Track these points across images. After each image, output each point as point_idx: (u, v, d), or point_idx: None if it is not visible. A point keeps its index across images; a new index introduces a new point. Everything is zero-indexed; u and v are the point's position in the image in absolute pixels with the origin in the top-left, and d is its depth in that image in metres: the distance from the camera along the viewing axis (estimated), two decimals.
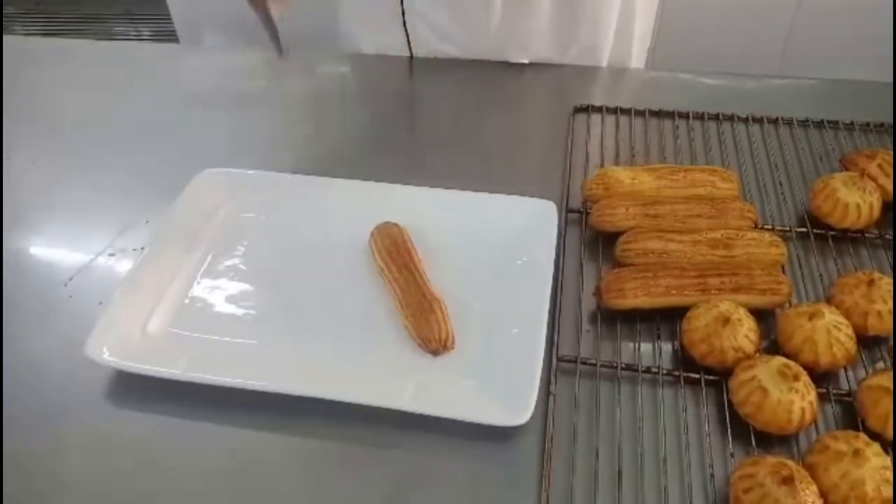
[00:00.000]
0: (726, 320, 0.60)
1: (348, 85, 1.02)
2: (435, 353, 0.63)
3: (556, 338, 0.64)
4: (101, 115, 0.94)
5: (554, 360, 0.62)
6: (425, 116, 0.92)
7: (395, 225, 0.71)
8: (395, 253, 0.69)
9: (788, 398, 0.56)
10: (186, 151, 0.86)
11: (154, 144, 0.89)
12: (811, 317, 0.60)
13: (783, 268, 0.69)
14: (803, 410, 0.56)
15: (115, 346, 0.61)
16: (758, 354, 0.61)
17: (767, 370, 0.57)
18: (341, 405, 0.58)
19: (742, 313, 0.61)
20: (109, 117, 0.94)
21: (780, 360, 0.58)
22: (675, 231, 0.68)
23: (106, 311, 0.64)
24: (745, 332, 0.60)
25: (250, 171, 0.79)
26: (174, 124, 0.92)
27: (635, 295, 0.64)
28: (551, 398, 0.60)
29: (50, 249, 0.76)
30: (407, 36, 0.97)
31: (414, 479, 0.57)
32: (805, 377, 0.57)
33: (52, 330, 0.67)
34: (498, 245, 0.71)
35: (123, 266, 0.72)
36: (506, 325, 0.64)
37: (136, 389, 0.61)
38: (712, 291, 0.64)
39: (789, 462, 0.52)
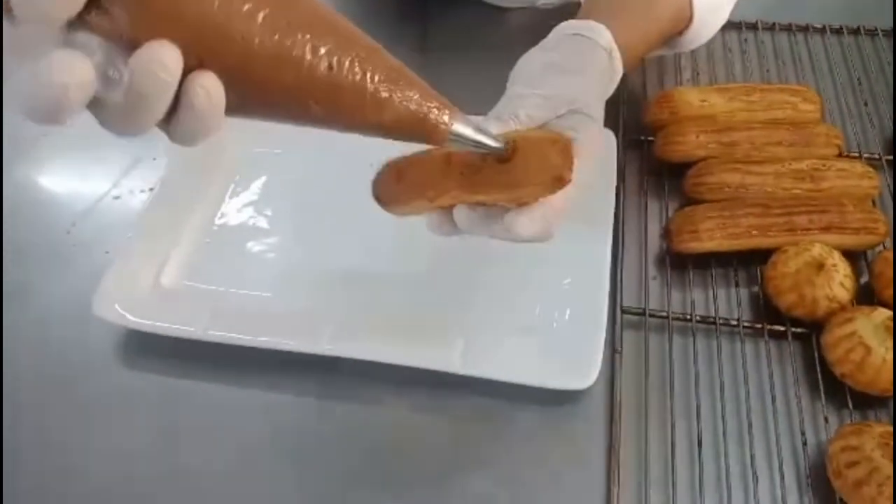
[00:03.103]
0: (820, 266, 0.52)
1: (370, 6, 0.92)
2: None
3: (619, 286, 0.56)
4: None
5: (618, 312, 0.55)
6: (461, 54, 0.81)
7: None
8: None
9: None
10: None
11: None
12: None
13: (874, 202, 0.61)
14: None
15: (125, 302, 0.55)
16: (853, 305, 0.53)
17: (870, 324, 0.50)
18: (380, 366, 0.51)
19: (837, 257, 0.53)
20: None
21: (884, 313, 0.50)
22: (753, 161, 0.60)
23: (114, 262, 0.57)
24: (841, 280, 0.53)
25: None
26: None
27: (711, 237, 0.56)
28: (617, 356, 0.53)
29: (50, 192, 0.69)
30: None
31: (464, 451, 0.50)
32: None
33: (56, 283, 0.60)
34: None
35: (131, 209, 0.65)
36: (561, 273, 0.56)
37: (149, 348, 0.55)
38: (799, 231, 0.56)
39: None
